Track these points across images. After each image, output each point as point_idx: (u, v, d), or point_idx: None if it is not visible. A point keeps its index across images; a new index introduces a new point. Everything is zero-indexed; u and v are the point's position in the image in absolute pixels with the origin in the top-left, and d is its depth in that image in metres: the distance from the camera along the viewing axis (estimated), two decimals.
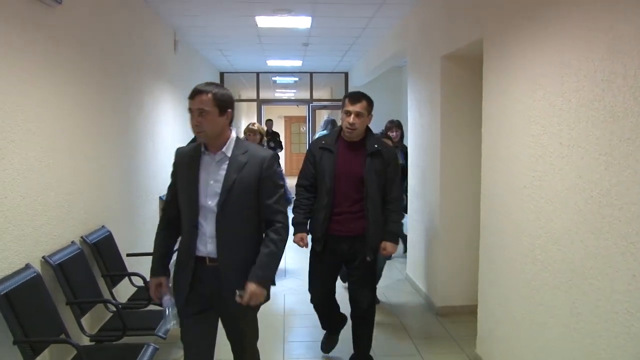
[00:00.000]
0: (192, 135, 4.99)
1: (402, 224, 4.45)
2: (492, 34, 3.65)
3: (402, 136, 6.25)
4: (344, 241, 3.54)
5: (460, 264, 4.84)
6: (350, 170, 3.48)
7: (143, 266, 4.89)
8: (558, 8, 2.79)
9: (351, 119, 3.42)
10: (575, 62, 2.63)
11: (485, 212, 3.79)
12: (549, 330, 2.89)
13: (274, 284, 2.71)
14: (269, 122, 13.08)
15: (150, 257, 5.46)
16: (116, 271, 4.07)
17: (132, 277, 4.22)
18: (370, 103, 3.50)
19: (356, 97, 3.46)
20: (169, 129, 6.60)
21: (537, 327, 3.03)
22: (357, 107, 3.43)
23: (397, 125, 6.17)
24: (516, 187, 3.27)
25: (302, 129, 23.28)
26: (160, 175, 6.02)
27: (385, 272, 6.33)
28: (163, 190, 6.10)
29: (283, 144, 13.96)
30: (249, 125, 5.95)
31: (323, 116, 17.37)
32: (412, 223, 5.80)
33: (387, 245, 3.56)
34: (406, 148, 6.11)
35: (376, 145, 3.51)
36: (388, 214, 3.56)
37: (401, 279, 6.12)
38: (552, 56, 2.85)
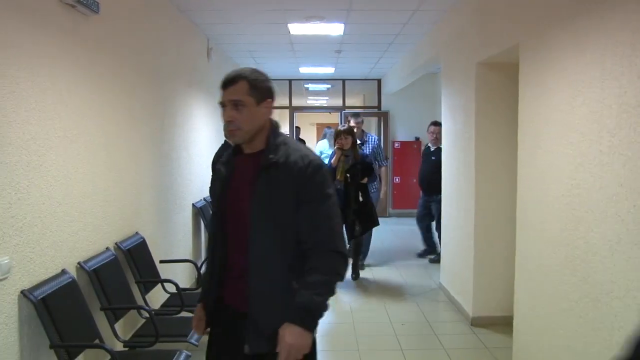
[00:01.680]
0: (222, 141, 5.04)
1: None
2: (528, 39, 3.59)
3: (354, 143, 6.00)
4: (236, 318, 2.10)
5: (496, 273, 4.75)
6: (238, 199, 2.10)
7: (176, 273, 4.96)
8: (599, 11, 2.72)
9: (227, 113, 2.06)
10: (617, 67, 2.56)
11: (522, 220, 3.72)
12: (590, 344, 2.81)
13: None
14: (297, 129, 13.06)
15: (184, 264, 5.55)
16: (149, 278, 4.12)
17: (165, 284, 4.26)
18: (254, 83, 2.04)
19: (230, 78, 2.06)
20: (203, 137, 6.67)
21: (577, 341, 2.95)
22: (233, 93, 2.04)
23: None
24: (554, 195, 3.20)
25: None
26: (193, 183, 6.08)
27: (418, 280, 6.27)
28: (197, 198, 6.18)
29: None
30: None
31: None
32: (446, 231, 5.73)
33: (286, 332, 1.93)
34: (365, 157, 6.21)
35: (271, 156, 2.05)
36: (306, 272, 1.99)
37: (435, 287, 6.04)
38: (593, 61, 2.78)
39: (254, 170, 2.06)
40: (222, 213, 2.15)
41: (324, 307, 1.98)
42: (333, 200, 2.07)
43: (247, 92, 2.03)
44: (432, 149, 7.25)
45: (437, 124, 7.19)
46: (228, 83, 2.05)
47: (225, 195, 2.15)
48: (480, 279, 4.82)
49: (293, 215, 2.01)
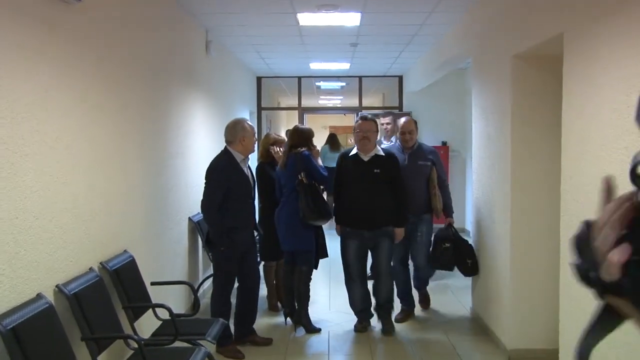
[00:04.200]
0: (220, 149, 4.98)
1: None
2: (574, 27, 3.52)
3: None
4: None
5: (537, 299, 4.67)
6: None
7: (170, 296, 4.90)
8: None
9: None
10: None
11: (567, 238, 3.62)
12: None
13: None
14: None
15: (178, 287, 5.50)
16: (139, 302, 4.08)
17: (157, 309, 4.21)
18: None
19: None
20: (201, 142, 6.67)
21: None
22: None
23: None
24: None
25: (349, 140, 23.33)
26: (190, 194, 6.05)
27: (447, 306, 6.17)
28: (194, 211, 6.13)
29: None
30: (271, 135, 5.93)
31: None
32: (478, 249, 5.64)
33: None
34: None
35: None
36: None
37: (465, 315, 5.95)
38: None
39: None
40: None
41: None
42: None
43: None
44: (365, 159, 5.23)
45: (366, 118, 5.40)
46: None
47: None
48: (519, 306, 4.73)
49: None
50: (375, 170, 5.13)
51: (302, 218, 5.13)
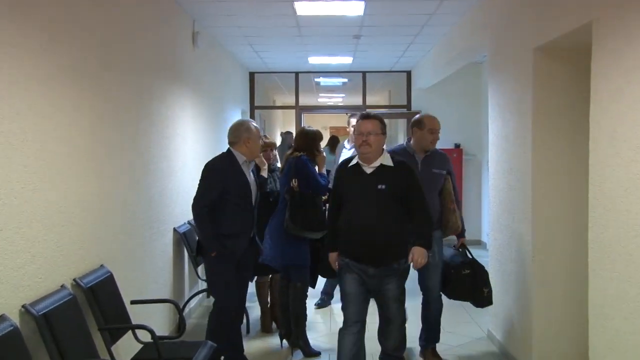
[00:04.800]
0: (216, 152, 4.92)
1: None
2: (605, 15, 3.49)
3: None
4: None
5: (563, 320, 4.64)
6: None
7: (152, 316, 4.85)
8: None
9: None
10: None
11: (595, 252, 3.61)
12: None
13: None
14: (289, 134, 12.96)
15: (162, 305, 5.46)
16: (117, 323, 4.05)
17: (137, 331, 4.18)
18: None
19: None
20: (189, 144, 6.66)
21: None
22: None
23: None
24: (639, 219, 3.07)
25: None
26: (176, 202, 6.02)
27: (461, 327, 6.13)
28: (179, 220, 6.10)
29: None
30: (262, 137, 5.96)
31: None
32: (495, 264, 5.61)
33: None
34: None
35: None
36: None
37: (482, 337, 5.93)
38: None
39: None
40: None
41: None
42: None
43: None
44: (368, 171, 4.25)
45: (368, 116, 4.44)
46: None
47: None
48: (541, 327, 4.70)
49: None
50: (379, 187, 4.17)
51: (285, 228, 5.11)
